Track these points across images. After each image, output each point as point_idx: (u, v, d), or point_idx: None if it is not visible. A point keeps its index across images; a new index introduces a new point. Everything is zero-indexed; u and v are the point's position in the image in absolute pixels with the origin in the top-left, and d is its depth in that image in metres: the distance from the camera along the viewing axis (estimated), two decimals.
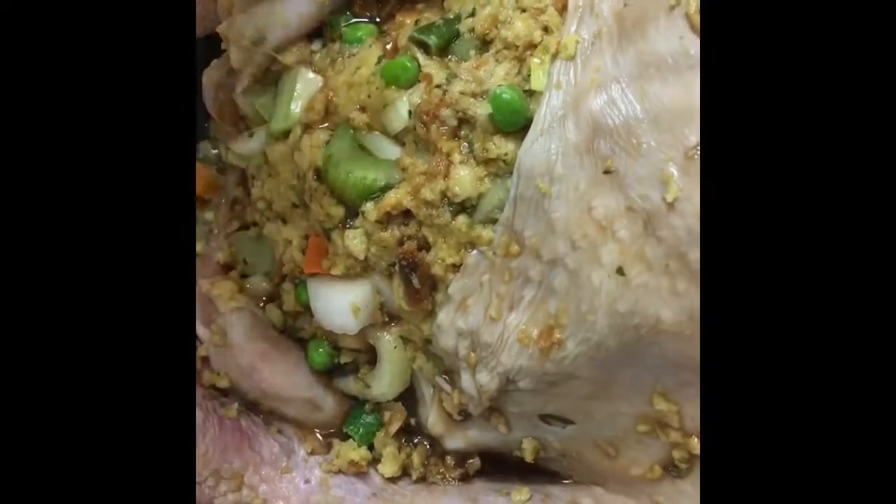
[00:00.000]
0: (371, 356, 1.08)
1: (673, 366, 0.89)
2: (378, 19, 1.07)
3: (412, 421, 1.11)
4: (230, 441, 1.08)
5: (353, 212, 1.00)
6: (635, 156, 0.83)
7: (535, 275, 0.90)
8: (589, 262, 0.86)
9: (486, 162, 0.91)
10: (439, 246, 0.95)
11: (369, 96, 0.99)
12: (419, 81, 0.96)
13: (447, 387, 1.03)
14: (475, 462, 1.10)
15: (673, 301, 0.84)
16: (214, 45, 1.14)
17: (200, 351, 1.13)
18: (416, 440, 1.12)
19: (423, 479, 1.11)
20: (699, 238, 0.80)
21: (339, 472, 1.09)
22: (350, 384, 1.10)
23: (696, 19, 0.81)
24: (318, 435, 1.13)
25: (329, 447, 1.12)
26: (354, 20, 1.07)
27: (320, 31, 1.09)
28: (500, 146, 0.90)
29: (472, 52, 0.95)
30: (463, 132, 0.93)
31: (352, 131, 1.00)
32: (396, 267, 0.98)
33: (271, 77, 1.11)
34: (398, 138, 0.97)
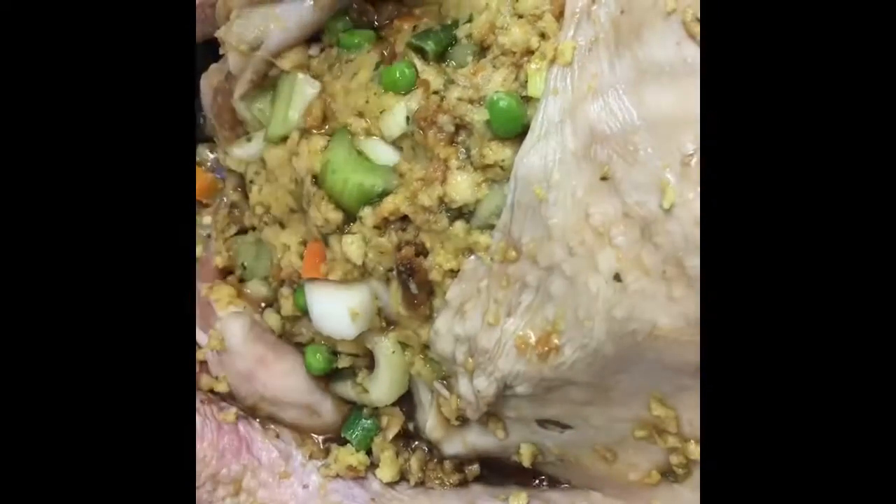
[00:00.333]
0: (369, 361, 1.08)
1: (670, 371, 0.89)
2: (376, 25, 1.07)
3: (410, 426, 1.11)
4: (228, 446, 1.08)
5: (350, 217, 1.00)
6: (632, 162, 0.83)
7: (532, 280, 0.90)
8: (586, 268, 0.86)
9: (484, 168, 0.91)
10: (437, 251, 0.95)
11: (367, 102, 0.99)
12: (417, 87, 0.96)
13: (445, 392, 1.03)
14: (474, 468, 1.10)
15: (670, 307, 0.84)
16: (213, 50, 1.14)
17: (199, 355, 1.13)
18: (414, 445, 1.12)
19: (421, 484, 1.11)
20: (696, 244, 0.81)
21: (337, 476, 1.09)
22: (348, 389, 1.10)
23: (693, 26, 0.81)
24: (316, 440, 1.13)
25: (327, 452, 1.12)
26: (352, 26, 1.07)
27: (318, 37, 1.09)
28: (498, 152, 0.90)
29: (470, 59, 0.95)
30: (460, 138, 0.93)
31: (349, 137, 1.00)
32: (394, 272, 0.98)
33: (269, 82, 1.11)
34: (396, 144, 0.97)
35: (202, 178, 1.25)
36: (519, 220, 0.89)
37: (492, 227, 0.92)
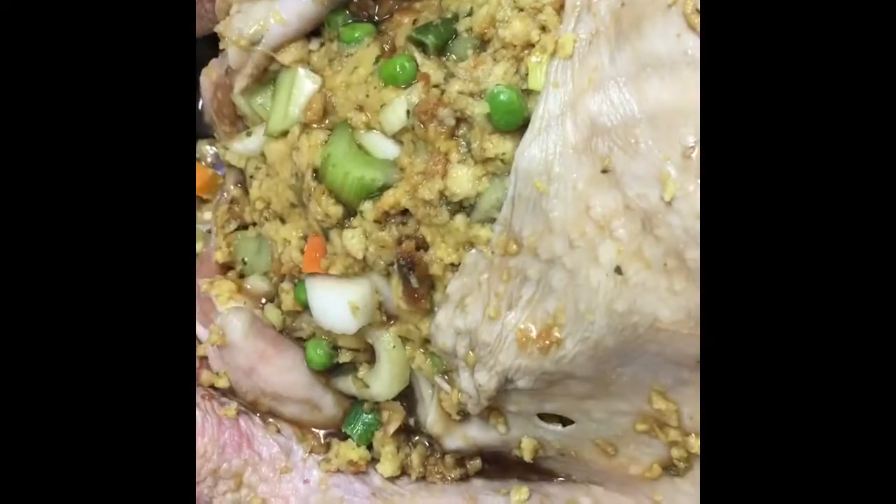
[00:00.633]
0: (370, 356, 1.08)
1: (671, 364, 0.89)
2: (376, 19, 1.07)
3: (411, 420, 1.11)
4: (229, 441, 1.08)
5: (351, 211, 1.00)
6: (633, 155, 0.83)
7: (533, 274, 0.90)
8: (587, 261, 0.86)
9: (484, 161, 0.91)
10: (437, 245, 0.95)
11: (367, 96, 0.99)
12: (417, 81, 0.96)
13: (446, 386, 1.03)
14: (476, 463, 1.10)
15: (671, 300, 0.84)
16: (213, 45, 1.14)
17: (199, 351, 1.13)
18: (415, 440, 1.12)
19: (422, 479, 1.11)
20: (697, 237, 0.81)
21: (338, 471, 1.09)
22: (349, 384, 1.10)
23: (693, 18, 0.81)
24: (317, 434, 1.13)
25: (328, 447, 1.12)
26: (352, 20, 1.07)
27: (318, 31, 1.09)
28: (498, 145, 0.90)
29: (470, 52, 0.95)
30: (461, 132, 0.93)
31: (350, 131, 1.00)
32: (395, 266, 0.98)
33: (269, 77, 1.11)
34: (396, 138, 0.97)
35: (202, 174, 1.25)
36: (520, 213, 0.89)
37: (492, 220, 0.92)
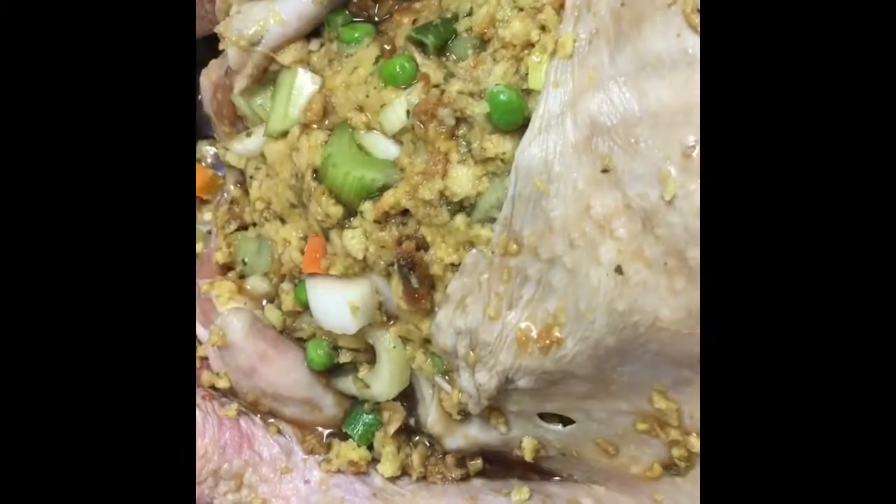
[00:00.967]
0: (370, 356, 1.08)
1: (672, 364, 0.89)
2: (376, 19, 1.07)
3: (412, 420, 1.11)
4: (229, 441, 1.08)
5: (351, 211, 1.00)
6: (633, 154, 0.83)
7: (533, 273, 0.90)
8: (587, 260, 0.86)
9: (484, 161, 0.91)
10: (438, 245, 0.95)
11: (367, 96, 0.99)
12: (417, 81, 0.96)
13: (446, 386, 1.03)
14: (477, 463, 1.10)
15: (671, 299, 0.84)
16: (212, 46, 1.14)
17: (199, 351, 1.13)
18: (415, 440, 1.12)
19: (423, 479, 1.11)
20: (697, 236, 0.80)
21: (339, 471, 1.09)
22: (349, 384, 1.10)
23: (693, 17, 0.81)
24: (317, 435, 1.13)
25: (328, 447, 1.12)
26: (352, 20, 1.07)
27: (318, 31, 1.09)
28: (498, 145, 0.90)
29: (470, 52, 0.95)
30: (461, 131, 0.93)
31: (350, 131, 1.00)
32: (395, 266, 0.98)
33: (269, 77, 1.11)
34: (396, 138, 0.97)
35: (202, 175, 1.25)
36: (520, 212, 0.89)
37: (493, 220, 0.92)
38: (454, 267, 0.95)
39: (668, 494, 1.00)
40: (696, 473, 0.98)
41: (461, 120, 0.92)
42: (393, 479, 1.10)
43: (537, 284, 0.90)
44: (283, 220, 1.11)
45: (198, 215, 1.25)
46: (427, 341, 1.01)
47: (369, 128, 0.99)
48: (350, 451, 1.10)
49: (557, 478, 1.09)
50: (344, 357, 1.09)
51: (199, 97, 1.19)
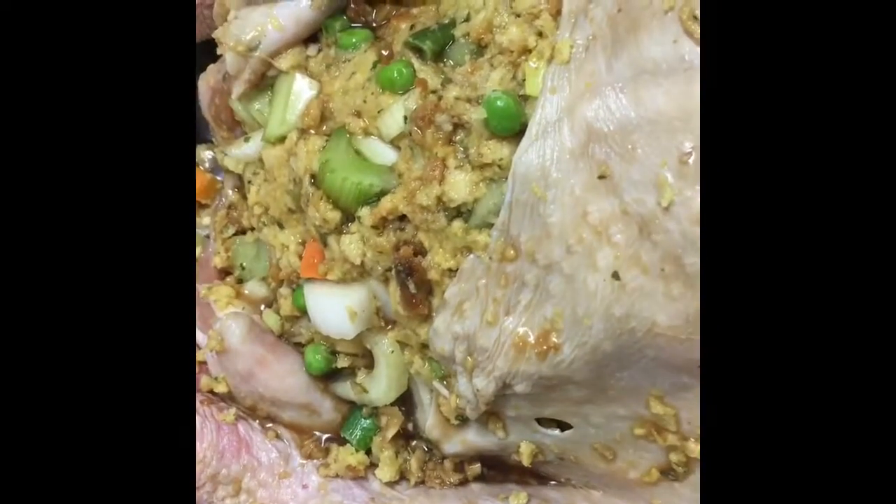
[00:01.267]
0: (368, 361, 1.08)
1: (669, 369, 0.89)
2: (373, 24, 1.07)
3: (410, 425, 1.11)
4: (228, 446, 1.08)
5: (349, 217, 1.00)
6: (630, 160, 0.83)
7: (531, 279, 0.90)
8: (585, 266, 0.86)
9: (482, 167, 0.91)
10: (435, 251, 0.95)
11: (365, 101, 0.99)
12: (414, 87, 0.96)
13: (444, 391, 1.03)
14: (475, 468, 1.10)
15: (668, 305, 0.84)
16: (211, 51, 1.14)
17: (198, 356, 1.13)
18: (413, 445, 1.12)
19: (421, 484, 1.11)
20: (694, 242, 0.81)
21: (337, 476, 1.09)
22: (347, 389, 1.10)
23: (690, 23, 0.81)
24: (315, 439, 1.13)
25: (327, 452, 1.12)
26: (350, 25, 1.07)
27: (316, 37, 1.09)
28: (496, 151, 0.90)
29: (467, 57, 0.95)
30: (458, 137, 0.93)
31: (347, 136, 1.00)
32: (393, 272, 0.98)
33: (267, 82, 1.11)
34: (394, 143, 0.97)
35: (201, 179, 1.26)
36: (517, 218, 0.89)
37: (490, 225, 0.92)
38: (452, 272, 0.95)
39: (666, 499, 1.00)
40: (694, 478, 0.98)
41: (458, 125, 0.92)
42: (391, 484, 1.10)
43: (535, 290, 0.90)
44: (281, 225, 1.11)
45: (196, 220, 1.25)
46: (425, 346, 1.01)
47: (367, 133, 0.99)
48: (348, 455, 1.10)
49: (555, 483, 1.10)
50: (342, 362, 1.09)
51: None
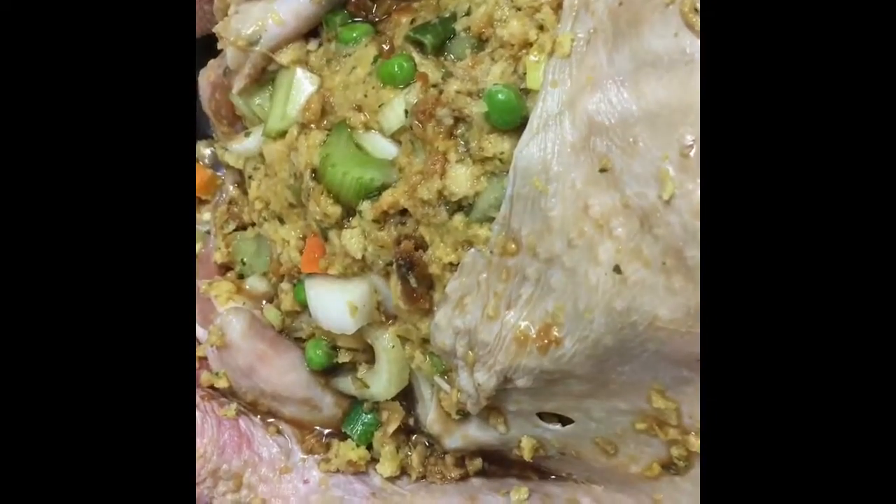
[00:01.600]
0: (369, 356, 1.08)
1: (670, 363, 0.89)
2: (374, 19, 1.07)
3: (411, 420, 1.11)
4: (229, 441, 1.08)
5: (350, 211, 1.00)
6: (631, 154, 0.83)
7: (532, 273, 0.90)
8: (586, 259, 0.86)
9: (483, 161, 0.91)
10: (436, 245, 0.95)
11: (365, 96, 0.99)
12: (415, 81, 0.96)
13: (445, 386, 1.03)
14: (476, 462, 1.10)
15: (670, 298, 0.84)
16: (211, 46, 1.14)
17: (199, 351, 1.13)
18: (414, 439, 1.12)
19: (422, 479, 1.11)
20: (695, 235, 0.80)
21: (338, 471, 1.09)
22: (348, 384, 1.10)
23: (691, 16, 0.81)
24: (316, 435, 1.13)
25: (328, 447, 1.12)
26: (350, 20, 1.07)
27: (316, 31, 1.09)
28: (497, 145, 0.90)
29: (468, 51, 0.95)
30: (459, 131, 0.93)
31: (348, 131, 1.00)
32: (394, 266, 0.98)
33: (268, 77, 1.11)
34: (394, 137, 0.97)
35: (201, 175, 1.26)
36: (518, 212, 0.89)
37: (491, 219, 0.92)
38: (453, 266, 0.95)
39: (668, 494, 1.00)
40: (695, 472, 0.98)
41: (459, 119, 0.92)
42: (392, 479, 1.10)
43: (536, 284, 0.90)
44: (281, 220, 1.11)
45: (197, 215, 1.25)
46: (426, 341, 1.01)
47: (368, 127, 0.99)
48: (349, 450, 1.10)
49: (556, 477, 1.09)
50: (343, 357, 1.09)
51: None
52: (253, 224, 1.18)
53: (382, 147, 0.98)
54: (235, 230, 1.21)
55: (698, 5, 0.81)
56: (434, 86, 0.95)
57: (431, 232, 0.95)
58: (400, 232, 0.97)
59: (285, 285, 1.11)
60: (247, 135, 1.14)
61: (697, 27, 0.81)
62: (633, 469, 1.00)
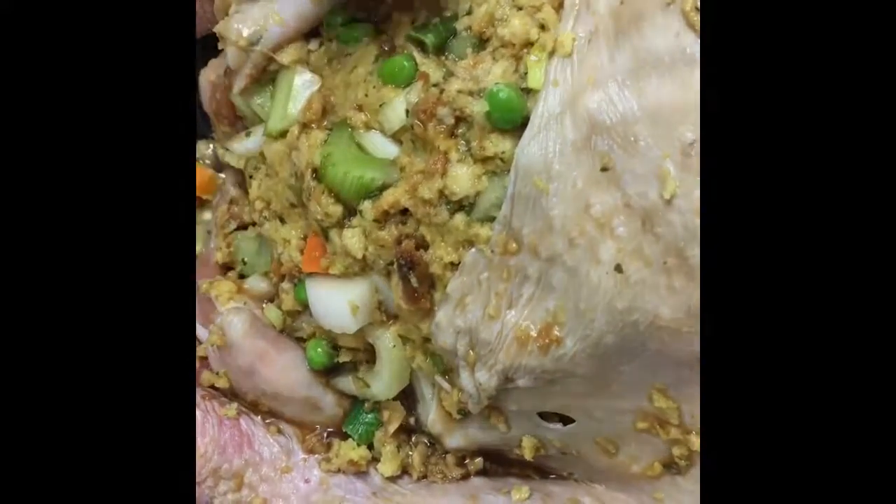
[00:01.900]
0: (370, 355, 1.08)
1: (671, 362, 0.89)
2: (375, 18, 1.07)
3: (412, 420, 1.11)
4: (229, 441, 1.08)
5: (351, 211, 1.00)
6: (632, 153, 0.83)
7: (533, 273, 0.90)
8: (587, 259, 0.86)
9: (484, 160, 0.91)
10: (437, 244, 0.95)
11: (366, 95, 0.99)
12: (416, 80, 0.96)
13: (446, 385, 1.03)
14: (477, 462, 1.10)
15: (671, 298, 0.84)
16: (211, 46, 1.14)
17: (199, 351, 1.13)
18: (415, 439, 1.12)
19: (423, 478, 1.11)
20: (697, 234, 0.81)
21: (339, 471, 1.09)
22: (349, 383, 1.10)
23: (692, 16, 0.81)
24: (317, 434, 1.13)
25: (328, 446, 1.12)
26: (351, 19, 1.07)
27: (317, 31, 1.09)
28: (498, 144, 0.90)
29: (469, 51, 0.95)
30: (460, 130, 0.93)
31: (349, 130, 1.00)
32: (395, 266, 0.98)
33: (268, 77, 1.11)
34: (395, 137, 0.97)
35: (202, 174, 1.25)
36: (519, 211, 0.89)
37: (492, 219, 0.92)
38: (454, 266, 0.95)
39: (669, 493, 1.00)
40: (696, 472, 0.98)
41: (460, 119, 0.92)
42: (393, 479, 1.10)
43: (537, 283, 0.90)
44: (282, 220, 1.11)
45: (197, 215, 1.25)
46: (427, 340, 1.01)
47: (368, 127, 0.99)
48: (350, 450, 1.10)
49: (557, 477, 1.09)
50: (344, 356, 1.09)
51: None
52: (254, 224, 1.18)
53: (383, 146, 0.98)
54: (236, 230, 1.20)
55: (699, 4, 0.81)
56: (435, 85, 0.95)
57: (432, 231, 0.95)
58: (401, 231, 0.97)
59: (286, 285, 1.11)
60: (247, 134, 1.14)
61: (698, 26, 0.81)
62: (635, 468, 1.01)
